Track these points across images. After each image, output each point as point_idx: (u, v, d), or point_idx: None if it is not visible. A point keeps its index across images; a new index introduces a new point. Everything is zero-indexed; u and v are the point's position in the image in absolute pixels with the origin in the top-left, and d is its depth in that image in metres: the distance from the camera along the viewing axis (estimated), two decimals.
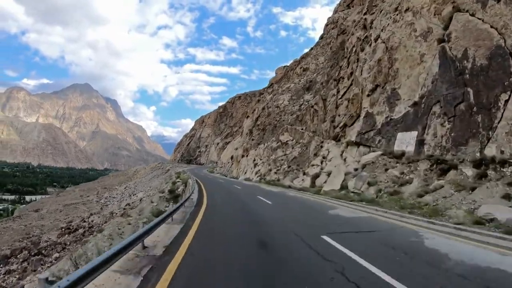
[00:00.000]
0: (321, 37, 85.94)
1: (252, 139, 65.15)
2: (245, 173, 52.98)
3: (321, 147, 32.10)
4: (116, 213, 36.96)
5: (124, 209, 39.08)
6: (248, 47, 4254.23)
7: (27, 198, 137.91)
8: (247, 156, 58.99)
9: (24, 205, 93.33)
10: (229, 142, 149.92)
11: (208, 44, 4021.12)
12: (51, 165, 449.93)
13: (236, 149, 77.98)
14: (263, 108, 73.56)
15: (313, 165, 30.42)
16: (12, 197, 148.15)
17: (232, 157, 78.61)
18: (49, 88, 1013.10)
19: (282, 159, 40.97)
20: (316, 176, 27.09)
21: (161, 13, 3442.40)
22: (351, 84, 29.10)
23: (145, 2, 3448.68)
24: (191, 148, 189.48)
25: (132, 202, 45.04)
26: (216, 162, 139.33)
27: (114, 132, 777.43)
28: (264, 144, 53.53)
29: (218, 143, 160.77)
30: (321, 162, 29.10)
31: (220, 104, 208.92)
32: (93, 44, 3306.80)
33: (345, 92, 30.22)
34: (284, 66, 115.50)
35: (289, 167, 37.18)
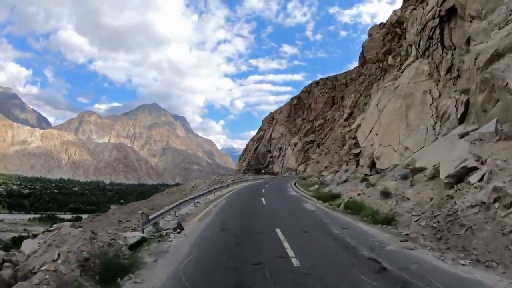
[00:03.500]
0: None
1: None
2: None
3: None
4: None
5: None
6: (309, 52, 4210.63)
7: (84, 216, 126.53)
8: None
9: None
10: (311, 141, 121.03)
11: (269, 53, 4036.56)
12: (122, 182, 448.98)
13: None
14: None
15: None
16: (69, 216, 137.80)
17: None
18: (119, 111, 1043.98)
19: None
20: None
21: (218, 28, 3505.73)
22: None
23: (202, 20, 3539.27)
24: (259, 154, 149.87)
25: None
26: (296, 170, 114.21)
27: (184, 148, 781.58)
28: None
29: (296, 144, 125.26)
30: None
31: (292, 96, 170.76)
32: (157, 65, 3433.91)
33: None
34: (380, 24, 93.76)
35: None
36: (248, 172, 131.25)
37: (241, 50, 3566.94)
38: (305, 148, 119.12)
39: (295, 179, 59.61)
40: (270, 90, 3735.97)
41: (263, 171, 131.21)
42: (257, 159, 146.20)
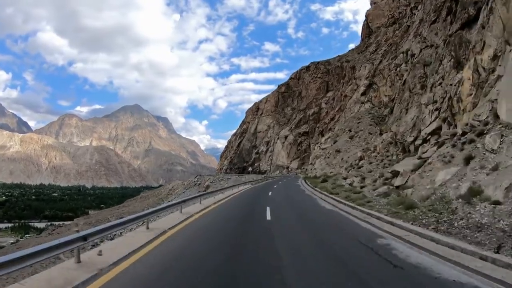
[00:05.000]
0: None
1: None
2: None
3: None
4: None
5: None
6: (291, 49, 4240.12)
7: (67, 223, 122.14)
8: None
9: None
10: (305, 132, 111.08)
11: (251, 51, 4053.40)
12: (105, 185, 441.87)
13: None
14: None
15: None
16: (43, 224, 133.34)
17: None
18: (101, 113, 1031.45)
19: None
20: None
21: (200, 27, 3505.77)
22: None
23: (183, 19, 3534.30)
24: (243, 150, 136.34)
25: None
26: (288, 168, 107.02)
27: (167, 149, 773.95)
28: None
29: (286, 136, 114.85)
30: None
31: (279, 84, 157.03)
32: (138, 66, 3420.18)
33: None
34: None
35: None
36: (230, 171, 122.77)
37: (223, 49, 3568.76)
38: (298, 141, 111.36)
39: (305, 183, 41.31)
40: (253, 89, 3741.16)
41: (248, 169, 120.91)
42: (240, 156, 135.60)
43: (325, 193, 25.43)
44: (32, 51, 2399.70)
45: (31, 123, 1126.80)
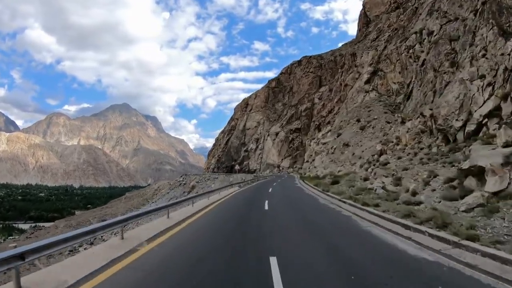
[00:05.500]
0: None
1: None
2: None
3: None
4: None
5: None
6: (281, 49, 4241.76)
7: (47, 225, 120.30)
8: None
9: None
10: (297, 129, 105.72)
11: (241, 50, 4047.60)
12: (93, 185, 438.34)
13: None
14: None
15: None
16: (28, 226, 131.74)
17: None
18: (89, 112, 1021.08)
19: None
20: None
21: (189, 25, 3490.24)
22: None
23: (172, 17, 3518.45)
24: (231, 148, 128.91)
25: None
26: (279, 166, 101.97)
27: (156, 148, 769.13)
28: None
29: (277, 133, 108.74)
30: None
31: (270, 78, 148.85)
32: (126, 64, 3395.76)
33: None
34: None
35: None
36: (218, 170, 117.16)
37: (212, 47, 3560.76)
38: (290, 138, 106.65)
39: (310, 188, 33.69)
40: (242, 88, 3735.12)
41: (236, 168, 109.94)
42: (228, 154, 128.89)
43: (358, 205, 16.83)
44: (20, 48, 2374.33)
45: (19, 122, 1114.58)
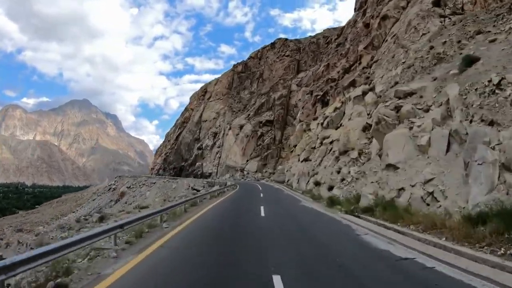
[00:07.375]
0: None
1: None
2: None
3: None
4: None
5: None
6: (247, 53, 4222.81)
7: None
8: None
9: None
10: (268, 121, 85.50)
11: (207, 52, 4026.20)
12: (46, 184, 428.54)
13: None
14: None
15: None
16: None
17: None
18: (48, 106, 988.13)
19: None
20: None
21: (156, 23, 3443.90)
22: None
23: (140, 13, 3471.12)
24: (182, 144, 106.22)
25: None
26: (243, 170, 79.39)
27: (114, 147, 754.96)
28: None
29: (242, 126, 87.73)
30: None
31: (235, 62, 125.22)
32: (90, 59, 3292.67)
33: None
34: None
35: None
36: (164, 172, 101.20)
37: (178, 47, 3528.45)
38: (259, 133, 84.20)
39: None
40: None
41: (187, 170, 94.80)
42: (178, 153, 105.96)
43: None
44: None
45: None
